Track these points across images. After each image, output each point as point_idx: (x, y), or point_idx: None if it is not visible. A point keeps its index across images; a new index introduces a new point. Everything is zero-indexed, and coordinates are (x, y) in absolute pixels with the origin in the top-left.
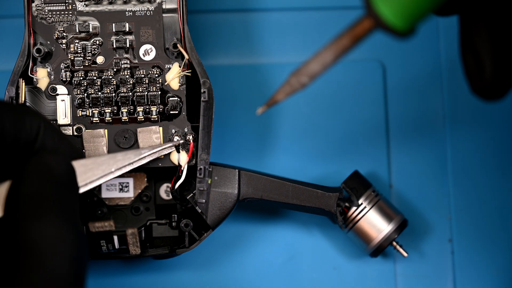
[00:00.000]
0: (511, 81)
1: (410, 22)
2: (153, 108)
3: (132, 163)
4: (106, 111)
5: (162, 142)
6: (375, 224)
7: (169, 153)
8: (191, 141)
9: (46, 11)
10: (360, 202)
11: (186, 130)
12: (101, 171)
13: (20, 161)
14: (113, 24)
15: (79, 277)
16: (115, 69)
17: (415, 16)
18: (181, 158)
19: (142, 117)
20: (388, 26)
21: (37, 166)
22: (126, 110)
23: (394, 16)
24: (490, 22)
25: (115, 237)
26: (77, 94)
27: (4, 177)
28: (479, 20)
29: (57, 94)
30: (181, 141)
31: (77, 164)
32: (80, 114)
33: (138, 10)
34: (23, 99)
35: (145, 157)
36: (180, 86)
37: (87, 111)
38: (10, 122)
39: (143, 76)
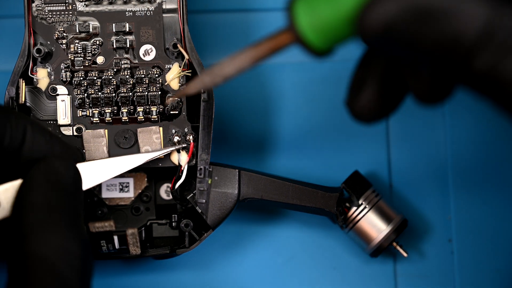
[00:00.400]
0: (383, 115)
1: (329, 44)
2: (153, 108)
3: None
4: (106, 111)
5: (162, 142)
6: (375, 224)
7: (169, 153)
8: (191, 141)
9: (46, 11)
10: (360, 202)
11: (186, 130)
12: (103, 175)
13: (9, 164)
14: (113, 24)
15: (86, 286)
16: (115, 69)
17: (334, 39)
18: (181, 158)
19: (142, 117)
20: (307, 44)
21: (45, 173)
22: (126, 110)
23: (314, 36)
24: (386, 63)
25: (115, 237)
26: (77, 94)
27: None
28: (378, 57)
29: (57, 94)
30: (183, 145)
31: (81, 168)
32: (80, 114)
33: (138, 10)
34: (23, 99)
35: (147, 161)
36: (180, 86)
37: (87, 111)
38: None
39: (143, 76)
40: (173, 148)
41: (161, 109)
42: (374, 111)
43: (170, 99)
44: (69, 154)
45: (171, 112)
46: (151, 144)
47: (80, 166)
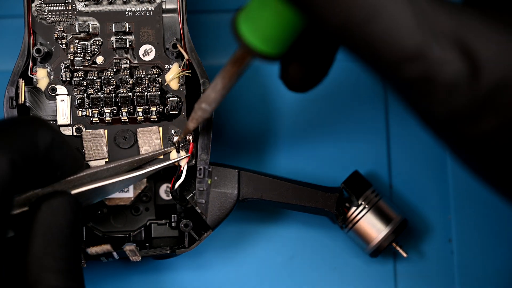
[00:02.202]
0: (314, 83)
1: (280, 48)
2: (153, 108)
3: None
4: (106, 111)
5: (161, 142)
6: (375, 224)
7: (169, 153)
8: (191, 141)
9: (46, 11)
10: (360, 202)
11: None
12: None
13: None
14: (113, 24)
15: None
16: (114, 69)
17: (284, 41)
18: None
19: (142, 117)
20: (261, 55)
21: (43, 220)
22: (125, 110)
23: (263, 45)
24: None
25: (115, 253)
26: (77, 94)
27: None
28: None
29: (57, 94)
30: (188, 155)
31: (88, 191)
32: (80, 114)
33: (138, 10)
34: (22, 99)
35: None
36: (179, 86)
37: (87, 111)
38: (40, 140)
39: (142, 76)
40: (177, 159)
41: (160, 109)
42: (303, 80)
43: (176, 138)
44: (73, 168)
45: (171, 112)
46: (151, 144)
47: (88, 190)
